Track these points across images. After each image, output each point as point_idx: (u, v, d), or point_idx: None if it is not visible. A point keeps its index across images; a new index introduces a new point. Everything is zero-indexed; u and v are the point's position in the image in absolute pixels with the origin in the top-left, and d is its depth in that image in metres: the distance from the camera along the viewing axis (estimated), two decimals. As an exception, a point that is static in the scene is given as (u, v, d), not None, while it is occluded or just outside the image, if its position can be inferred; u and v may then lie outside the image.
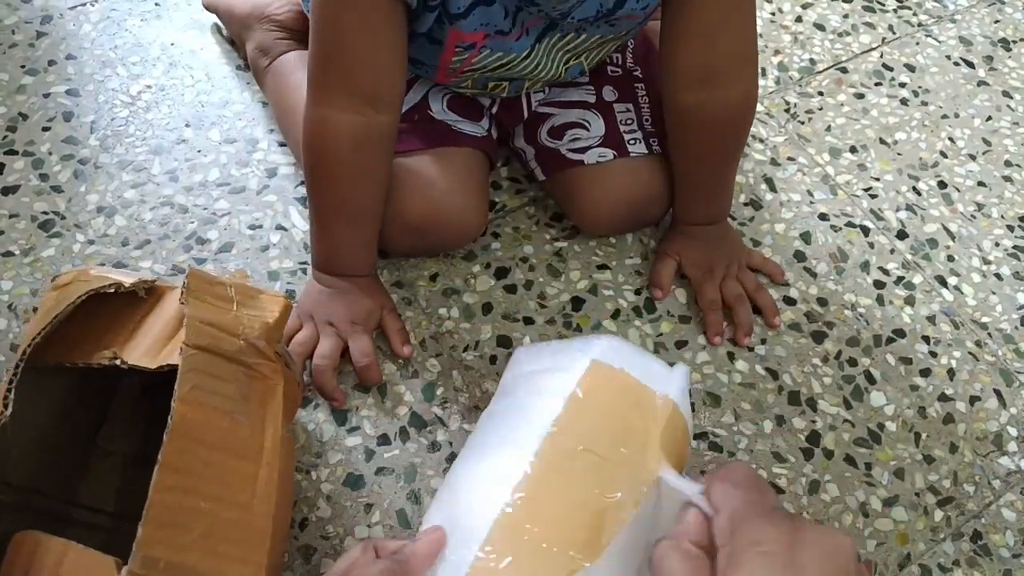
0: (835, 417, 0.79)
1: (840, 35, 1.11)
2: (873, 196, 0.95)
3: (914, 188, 0.97)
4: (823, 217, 0.93)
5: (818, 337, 0.84)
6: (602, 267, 0.87)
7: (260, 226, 0.87)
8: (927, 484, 0.77)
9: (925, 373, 0.83)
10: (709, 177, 0.83)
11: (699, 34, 0.73)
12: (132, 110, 0.95)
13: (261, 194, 0.89)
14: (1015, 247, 0.93)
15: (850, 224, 0.93)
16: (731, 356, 0.82)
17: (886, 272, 0.90)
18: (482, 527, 0.44)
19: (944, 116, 1.03)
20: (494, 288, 0.84)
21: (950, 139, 1.01)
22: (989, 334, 0.86)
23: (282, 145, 0.93)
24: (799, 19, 1.12)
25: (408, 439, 0.75)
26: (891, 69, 1.07)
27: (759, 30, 1.10)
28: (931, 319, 0.87)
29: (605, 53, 0.81)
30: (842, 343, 0.84)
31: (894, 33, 1.12)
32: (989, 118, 1.04)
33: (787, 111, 1.02)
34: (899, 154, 0.99)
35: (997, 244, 0.93)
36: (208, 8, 1.02)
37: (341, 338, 0.76)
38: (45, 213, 0.86)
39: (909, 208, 0.95)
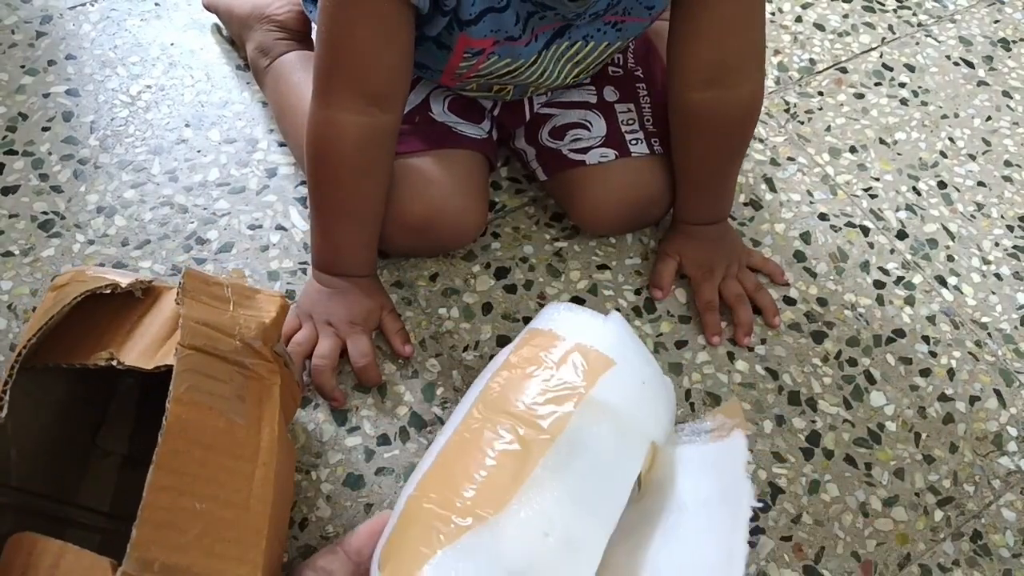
0: (835, 417, 0.79)
1: (840, 35, 1.11)
2: (873, 196, 0.95)
3: (914, 188, 0.97)
4: (823, 217, 0.93)
5: (818, 337, 0.84)
6: (602, 267, 0.87)
7: (260, 226, 0.87)
8: (927, 484, 0.77)
9: (925, 373, 0.83)
10: (712, 177, 0.83)
11: (709, 33, 0.73)
12: (132, 110, 0.95)
13: (261, 194, 0.89)
14: (1015, 247, 0.93)
15: (850, 224, 0.93)
16: (731, 356, 0.82)
17: (886, 272, 0.90)
18: (400, 501, 0.48)
19: (944, 116, 1.03)
20: (494, 288, 0.84)
21: (950, 139, 1.01)
22: (989, 334, 0.86)
23: (282, 145, 0.93)
24: (799, 19, 1.12)
25: (408, 439, 0.75)
26: (891, 69, 1.07)
27: (759, 30, 1.10)
28: (931, 319, 0.87)
29: (608, 56, 0.81)
30: (842, 343, 0.84)
31: (894, 33, 1.12)
32: (989, 118, 1.04)
33: (787, 111, 1.02)
34: (899, 154, 0.99)
35: (997, 244, 0.93)
36: (208, 8, 1.02)
37: (340, 338, 0.76)
38: (45, 213, 0.86)
39: (909, 208, 0.95)
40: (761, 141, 0.99)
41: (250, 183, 0.90)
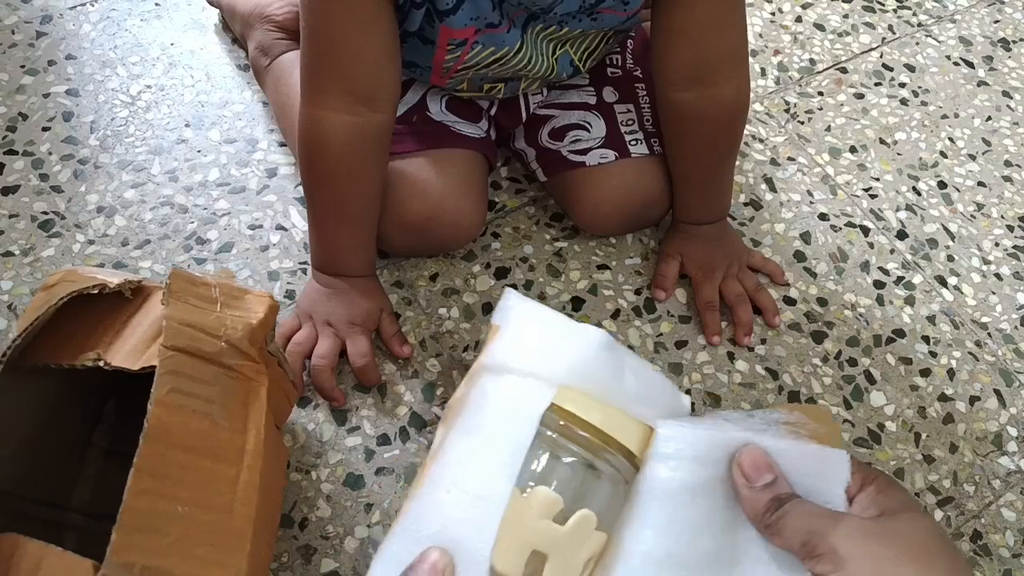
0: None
1: (840, 35, 1.11)
2: (873, 196, 0.95)
3: (914, 188, 0.97)
4: (823, 217, 0.93)
5: (818, 337, 0.84)
6: (602, 267, 0.87)
7: (260, 226, 0.87)
8: (927, 484, 0.77)
9: (925, 373, 0.83)
10: (705, 175, 0.83)
11: (688, 33, 0.73)
12: (132, 110, 0.95)
13: (261, 194, 0.89)
14: (1015, 247, 0.93)
15: (850, 224, 0.93)
16: (731, 356, 0.82)
17: (886, 272, 0.90)
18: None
19: (944, 116, 1.03)
20: (494, 288, 0.84)
21: (950, 139, 1.01)
22: (989, 334, 0.86)
23: (282, 145, 0.93)
24: (799, 19, 1.12)
25: (408, 439, 0.75)
26: (891, 69, 1.07)
27: (759, 30, 1.10)
28: (931, 319, 0.87)
29: (600, 51, 0.81)
30: (842, 343, 0.84)
31: (894, 33, 1.12)
32: (989, 118, 1.04)
33: (787, 111, 1.02)
34: (899, 154, 0.99)
35: (997, 244, 0.93)
36: (212, 3, 1.02)
37: (339, 338, 0.76)
38: (45, 213, 0.86)
39: (909, 208, 0.95)
40: (761, 141, 0.99)
41: (250, 183, 0.90)
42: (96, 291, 0.56)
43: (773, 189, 0.95)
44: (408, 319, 0.82)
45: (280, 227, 0.87)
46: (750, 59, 1.06)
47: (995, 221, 0.95)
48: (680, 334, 0.83)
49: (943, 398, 0.82)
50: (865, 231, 0.92)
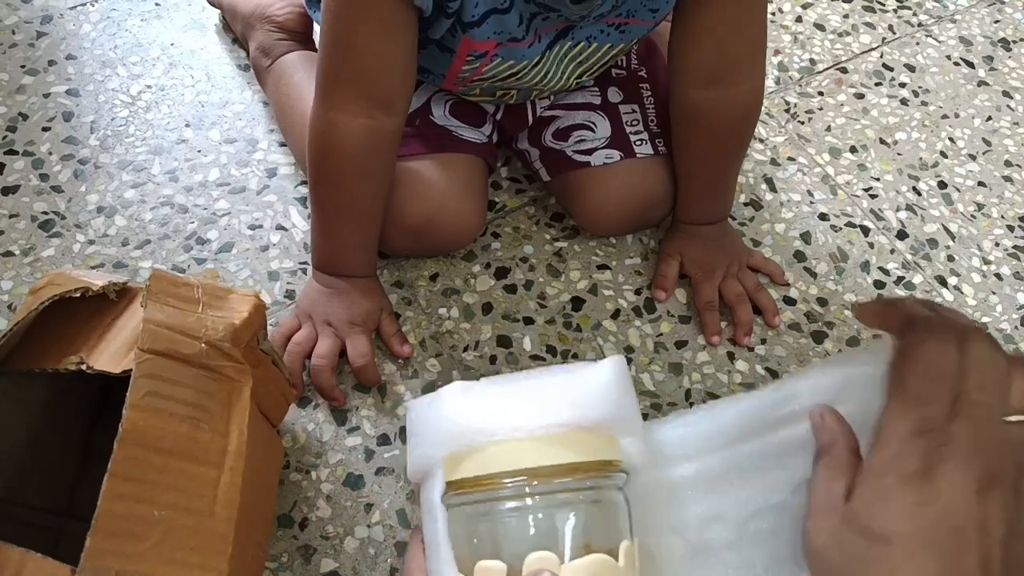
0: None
1: (840, 35, 1.11)
2: (873, 196, 0.95)
3: (914, 188, 0.97)
4: (823, 217, 0.93)
5: (818, 337, 0.84)
6: (602, 267, 0.87)
7: (260, 226, 0.87)
8: (927, 484, 0.77)
9: (925, 373, 0.83)
10: (713, 176, 0.83)
11: (711, 33, 0.73)
12: (132, 110, 0.95)
13: (261, 194, 0.89)
14: (1015, 247, 0.93)
15: (850, 224, 0.93)
16: (731, 356, 0.82)
17: (886, 272, 0.89)
18: None
19: (944, 116, 1.03)
20: (494, 288, 0.84)
21: (950, 139, 1.01)
22: (989, 334, 0.86)
23: (282, 145, 0.93)
24: (799, 19, 1.12)
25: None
26: (891, 69, 1.07)
27: (759, 30, 1.10)
28: (931, 319, 0.87)
29: (609, 62, 0.81)
30: (842, 343, 0.84)
31: (894, 33, 1.12)
32: (989, 118, 1.04)
33: (787, 111, 1.02)
34: (899, 154, 0.99)
35: (997, 244, 0.93)
36: (212, 3, 1.02)
37: (339, 338, 0.76)
38: (45, 213, 0.86)
39: (909, 208, 0.95)
40: (761, 141, 0.99)
41: (250, 183, 0.90)
42: (78, 295, 0.56)
43: (773, 189, 0.95)
44: (408, 319, 0.82)
45: (280, 227, 0.87)
46: (750, 59, 1.06)
47: (995, 221, 0.95)
48: (680, 334, 0.83)
49: (943, 398, 0.82)
50: (865, 231, 0.92)
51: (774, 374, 0.81)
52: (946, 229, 0.94)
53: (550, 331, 0.82)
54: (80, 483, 0.67)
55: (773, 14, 1.12)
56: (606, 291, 0.85)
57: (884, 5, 1.15)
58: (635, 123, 0.85)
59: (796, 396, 0.44)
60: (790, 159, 0.98)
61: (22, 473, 0.63)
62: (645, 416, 0.69)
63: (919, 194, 0.96)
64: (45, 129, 0.92)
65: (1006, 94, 1.06)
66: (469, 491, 0.40)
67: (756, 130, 0.99)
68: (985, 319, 0.87)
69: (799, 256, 0.90)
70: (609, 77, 0.87)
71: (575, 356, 0.81)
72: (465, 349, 0.80)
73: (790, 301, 0.86)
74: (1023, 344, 0.86)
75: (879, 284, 0.89)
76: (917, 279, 0.89)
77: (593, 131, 0.84)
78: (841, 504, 0.37)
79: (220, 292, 0.59)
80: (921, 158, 0.99)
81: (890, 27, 1.12)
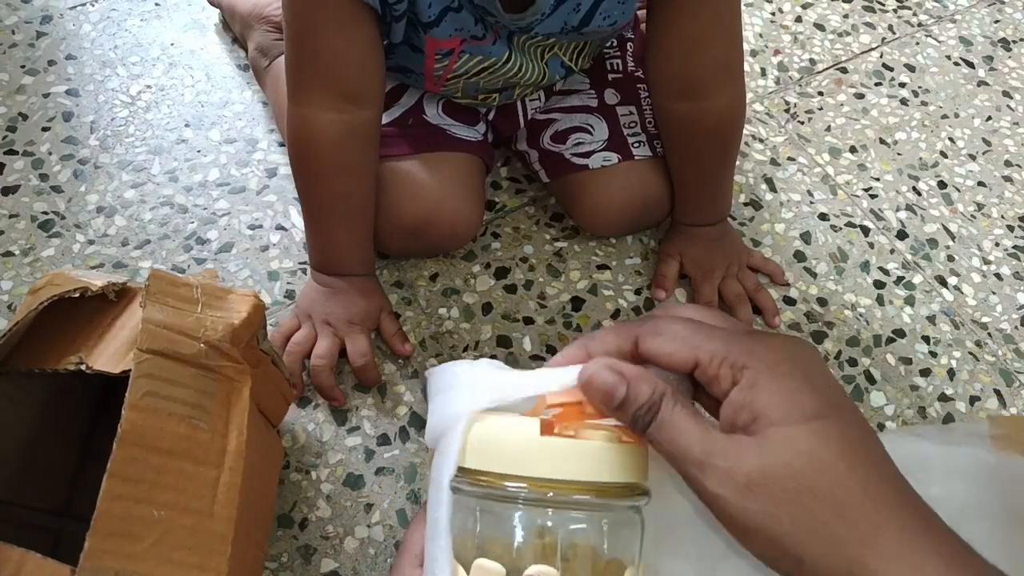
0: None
1: (840, 35, 1.11)
2: (873, 196, 0.95)
3: (914, 188, 0.97)
4: (823, 217, 0.93)
5: (818, 337, 0.84)
6: (602, 267, 0.87)
7: (260, 226, 0.87)
8: (927, 484, 0.77)
9: (925, 373, 0.83)
10: (704, 180, 0.83)
11: (680, 46, 0.73)
12: (132, 110, 0.95)
13: (261, 194, 0.89)
14: (1015, 247, 0.93)
15: (850, 224, 0.93)
16: (731, 356, 0.82)
17: (886, 272, 0.89)
18: None
19: (944, 116, 1.03)
20: (494, 288, 0.84)
21: (950, 139, 1.01)
22: (989, 334, 0.86)
23: (282, 145, 0.93)
24: (799, 19, 1.12)
25: (408, 439, 0.75)
26: (891, 69, 1.07)
27: (759, 30, 1.10)
28: (931, 319, 0.87)
29: (590, 49, 0.81)
30: (842, 343, 0.84)
31: (894, 33, 1.12)
32: (989, 118, 1.04)
33: (787, 111, 1.02)
34: (899, 154, 0.99)
35: (997, 244, 0.93)
36: (212, 3, 1.02)
37: (339, 338, 0.76)
38: (45, 213, 0.86)
39: (909, 208, 0.95)
40: (761, 141, 0.99)
41: (250, 183, 0.90)
42: (77, 295, 0.56)
43: (773, 189, 0.95)
44: (408, 319, 0.82)
45: (280, 227, 0.87)
46: (751, 59, 1.06)
47: (995, 221, 0.95)
48: (680, 334, 0.83)
49: (943, 398, 0.82)
50: (865, 231, 0.92)
51: (774, 374, 0.81)
52: (946, 229, 0.94)
53: (550, 331, 0.82)
54: (79, 483, 0.67)
55: (773, 14, 1.12)
56: (606, 291, 0.85)
57: (884, 5, 1.15)
58: (632, 125, 0.84)
59: None
60: (790, 159, 0.98)
61: (21, 473, 0.63)
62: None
63: (919, 194, 0.96)
64: (45, 129, 0.92)
65: (1006, 94, 1.06)
66: (480, 482, 0.38)
67: (756, 130, 0.99)
68: (985, 319, 0.87)
69: (799, 256, 0.90)
70: (605, 79, 0.87)
71: (575, 356, 0.81)
72: (465, 349, 0.80)
73: (790, 301, 0.86)
74: (1023, 344, 0.86)
75: (879, 284, 0.89)
76: (917, 279, 0.89)
77: (591, 133, 0.84)
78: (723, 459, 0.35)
79: (219, 292, 0.59)
80: (921, 158, 0.99)
81: (890, 27, 1.12)
